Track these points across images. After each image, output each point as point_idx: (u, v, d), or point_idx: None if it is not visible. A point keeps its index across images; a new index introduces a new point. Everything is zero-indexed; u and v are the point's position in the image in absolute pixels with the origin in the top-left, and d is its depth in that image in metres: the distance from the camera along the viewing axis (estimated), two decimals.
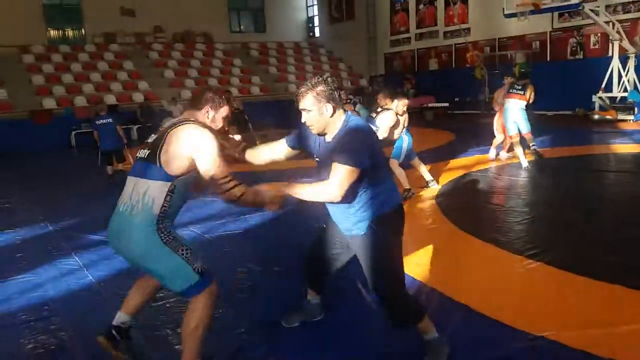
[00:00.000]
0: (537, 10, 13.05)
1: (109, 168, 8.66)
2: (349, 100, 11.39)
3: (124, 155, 8.82)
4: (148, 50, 19.93)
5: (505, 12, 13.82)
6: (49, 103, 15.77)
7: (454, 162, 8.44)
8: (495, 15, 15.63)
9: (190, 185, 2.43)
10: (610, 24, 13.34)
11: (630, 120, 12.34)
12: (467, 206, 5.89)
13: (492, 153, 8.41)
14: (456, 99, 17.80)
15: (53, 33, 19.58)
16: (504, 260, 4.06)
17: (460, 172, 7.59)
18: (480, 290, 3.52)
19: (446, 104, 17.73)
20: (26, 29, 17.89)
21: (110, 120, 8.68)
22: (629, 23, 13.90)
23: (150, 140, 2.46)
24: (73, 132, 15.12)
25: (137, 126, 15.91)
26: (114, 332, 2.69)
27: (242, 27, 23.40)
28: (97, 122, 8.67)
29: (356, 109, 11.36)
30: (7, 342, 3.15)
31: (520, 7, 13.17)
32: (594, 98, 13.65)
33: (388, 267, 2.48)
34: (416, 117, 17.47)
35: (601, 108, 13.45)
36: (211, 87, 2.59)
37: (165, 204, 2.32)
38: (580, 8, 12.84)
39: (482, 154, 8.87)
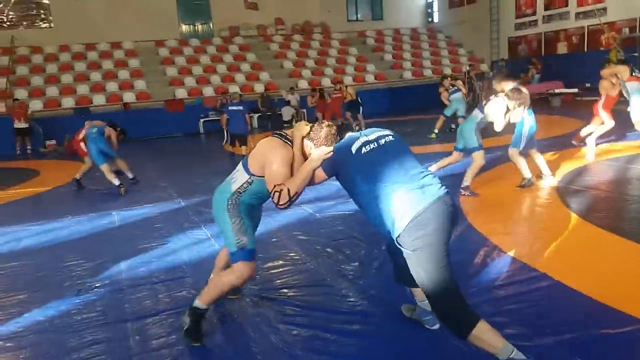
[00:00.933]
0: None
1: (231, 147, 9.90)
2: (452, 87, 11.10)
3: (247, 140, 9.67)
4: (269, 42, 20.84)
5: None
6: (181, 93, 17.16)
7: (578, 151, 7.91)
8: None
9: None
10: None
11: None
12: (589, 195, 5.54)
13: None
14: (587, 85, 16.46)
15: (185, 28, 21.18)
16: (624, 248, 3.81)
17: (584, 161, 7.13)
18: (603, 279, 3.35)
19: (575, 90, 16.48)
20: (161, 24, 19.57)
21: (241, 107, 9.74)
22: None
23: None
24: (201, 120, 16.33)
25: (258, 115, 16.77)
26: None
27: (359, 16, 23.53)
28: (229, 108, 9.81)
29: (450, 98, 11.04)
30: (147, 297, 3.62)
31: None
32: None
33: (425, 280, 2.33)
34: (541, 103, 16.54)
35: None
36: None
37: (240, 189, 2.88)
38: None
39: (610, 142, 8.22)
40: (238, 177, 2.89)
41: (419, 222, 2.27)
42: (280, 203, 2.59)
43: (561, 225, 4.54)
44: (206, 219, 5.60)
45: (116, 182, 7.41)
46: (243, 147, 9.63)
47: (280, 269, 3.99)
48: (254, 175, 2.83)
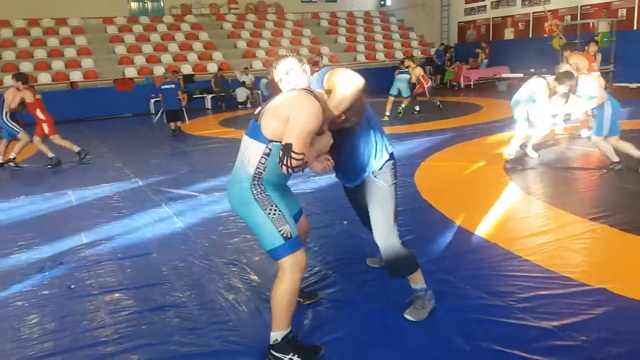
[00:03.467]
0: None
1: (172, 124, 10.79)
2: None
3: (182, 116, 10.82)
4: (222, 22, 20.52)
5: None
6: (131, 72, 16.71)
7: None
8: None
9: None
10: None
11: None
12: (535, 173, 5.91)
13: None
14: (532, 70, 17.17)
15: (134, 5, 20.54)
16: (567, 221, 4.15)
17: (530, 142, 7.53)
18: (545, 249, 3.66)
19: (520, 75, 17.16)
20: (109, 1, 18.92)
21: (173, 86, 10.96)
22: None
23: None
24: (152, 100, 15.98)
25: (212, 95, 16.58)
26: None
27: None
28: (163, 87, 10.98)
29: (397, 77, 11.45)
30: (114, 272, 3.66)
31: None
32: None
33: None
34: (489, 87, 17.16)
35: None
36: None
37: (258, 167, 2.33)
38: None
39: (552, 125, 8.70)
40: (251, 154, 2.34)
41: (393, 162, 2.72)
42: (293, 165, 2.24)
43: (508, 199, 4.86)
44: (167, 197, 5.63)
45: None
46: (178, 122, 10.75)
47: (248, 244, 4.10)
48: (272, 141, 2.29)
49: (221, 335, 2.75)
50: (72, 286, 3.46)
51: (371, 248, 3.23)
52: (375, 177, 2.65)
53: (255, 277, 3.46)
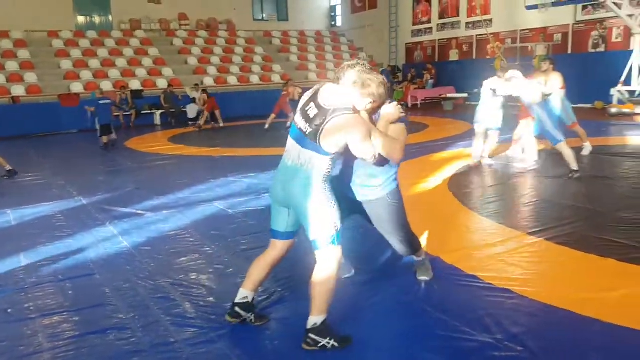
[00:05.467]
0: (559, 2, 13.08)
1: (104, 138, 11.08)
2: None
3: (111, 130, 11.29)
4: (173, 37, 20.33)
5: (527, 4, 13.88)
6: (77, 87, 16.26)
7: (466, 151, 8.63)
8: (518, 6, 15.68)
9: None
10: (634, 17, 13.30)
11: None
12: (477, 190, 6.14)
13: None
14: (475, 90, 17.85)
15: (81, 19, 20.08)
16: (505, 235, 4.33)
17: (472, 160, 7.81)
18: (483, 260, 3.80)
19: (465, 95, 17.83)
20: (56, 14, 18.43)
21: (108, 101, 11.67)
22: None
23: (309, 113, 2.62)
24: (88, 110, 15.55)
25: (161, 112, 16.33)
26: (237, 309, 2.91)
27: (264, 16, 23.65)
28: (99, 102, 11.43)
29: None
30: (55, 295, 3.53)
31: None
32: (613, 91, 13.65)
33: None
34: (435, 107, 17.70)
35: (619, 101, 13.46)
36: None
37: (328, 168, 2.64)
38: (603, 1, 12.83)
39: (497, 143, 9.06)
40: (319, 163, 2.60)
41: None
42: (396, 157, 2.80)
43: (451, 215, 5.02)
44: (112, 216, 5.49)
45: None
46: (105, 137, 11.13)
47: (196, 263, 4.06)
48: (330, 154, 2.61)
49: (165, 358, 2.70)
50: (9, 310, 3.31)
51: None
52: (390, 195, 3.18)
53: (202, 297, 3.43)
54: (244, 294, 2.93)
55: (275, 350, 2.76)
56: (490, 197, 5.82)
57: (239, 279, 3.57)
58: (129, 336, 2.92)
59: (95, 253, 4.35)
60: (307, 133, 2.60)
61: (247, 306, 2.93)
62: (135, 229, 5.01)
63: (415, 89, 19.31)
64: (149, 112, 16.31)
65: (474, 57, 18.89)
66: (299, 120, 2.68)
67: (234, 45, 20.97)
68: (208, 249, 4.38)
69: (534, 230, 4.42)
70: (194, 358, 2.69)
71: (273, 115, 12.98)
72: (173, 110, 16.23)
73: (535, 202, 5.54)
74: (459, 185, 6.32)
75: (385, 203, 3.16)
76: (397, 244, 3.33)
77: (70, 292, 3.57)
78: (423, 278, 3.49)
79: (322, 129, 2.54)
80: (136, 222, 5.24)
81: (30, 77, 16.13)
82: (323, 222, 2.61)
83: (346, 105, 2.58)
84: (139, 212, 5.64)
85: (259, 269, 2.94)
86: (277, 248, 2.92)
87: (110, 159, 10.06)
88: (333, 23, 25.09)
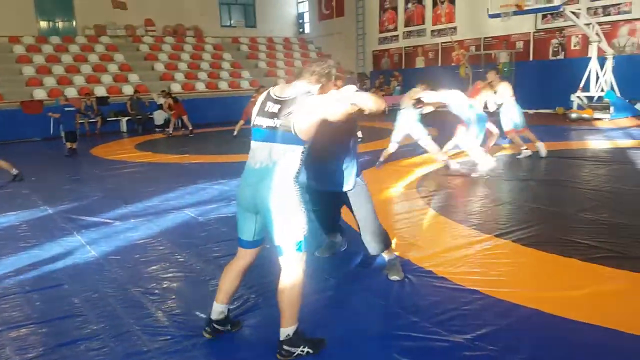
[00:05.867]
0: (520, 11, 13.48)
1: (69, 144, 11.16)
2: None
3: (76, 136, 11.39)
4: (139, 43, 20.06)
5: (490, 13, 14.25)
6: (40, 94, 15.87)
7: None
8: (481, 15, 16.02)
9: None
10: (591, 26, 13.81)
11: (605, 119, 12.83)
12: (445, 194, 6.26)
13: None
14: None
15: (43, 24, 19.62)
16: (473, 237, 4.45)
17: (438, 165, 7.96)
18: (452, 262, 3.89)
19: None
20: (17, 19, 17.97)
21: (72, 108, 11.70)
22: (609, 25, 14.38)
23: (271, 110, 2.64)
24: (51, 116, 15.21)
25: (127, 118, 16.08)
26: (216, 326, 2.87)
27: (232, 22, 23.58)
28: (65, 109, 11.43)
29: None
30: (22, 307, 3.45)
31: (504, 7, 13.60)
32: (573, 97, 14.13)
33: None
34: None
35: (579, 107, 13.94)
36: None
37: (299, 164, 2.61)
38: (562, 10, 13.30)
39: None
40: (292, 156, 2.58)
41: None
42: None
43: (420, 218, 5.12)
44: (79, 225, 5.38)
45: None
46: (70, 143, 11.16)
47: (167, 271, 4.02)
48: (304, 143, 2.60)
49: None
50: None
51: None
52: (361, 180, 3.50)
53: (174, 305, 3.40)
54: (220, 308, 2.87)
55: (250, 359, 2.77)
56: (457, 200, 5.95)
57: (211, 286, 3.58)
58: (101, 346, 2.87)
59: (62, 263, 4.26)
60: (278, 126, 2.59)
61: (224, 321, 2.90)
62: (103, 238, 4.93)
63: (382, 95, 19.52)
64: (115, 119, 16.05)
65: (440, 64, 19.25)
66: (261, 121, 2.67)
67: (202, 51, 20.84)
68: (179, 256, 4.35)
69: (500, 232, 4.55)
70: None
71: (241, 122, 12.94)
72: (140, 117, 16.00)
73: (500, 204, 5.69)
74: (426, 189, 6.43)
75: (360, 188, 3.48)
76: (370, 238, 3.52)
77: (37, 304, 3.49)
78: (394, 278, 3.59)
79: (293, 114, 2.55)
80: (104, 231, 5.16)
81: None
82: (291, 226, 2.58)
83: (304, 91, 2.64)
84: (107, 220, 5.54)
85: (229, 280, 2.88)
86: (244, 257, 2.88)
87: (76, 167, 9.86)
88: (301, 30, 25.21)
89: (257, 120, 2.71)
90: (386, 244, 3.59)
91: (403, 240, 4.46)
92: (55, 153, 11.68)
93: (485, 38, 17.60)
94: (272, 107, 2.64)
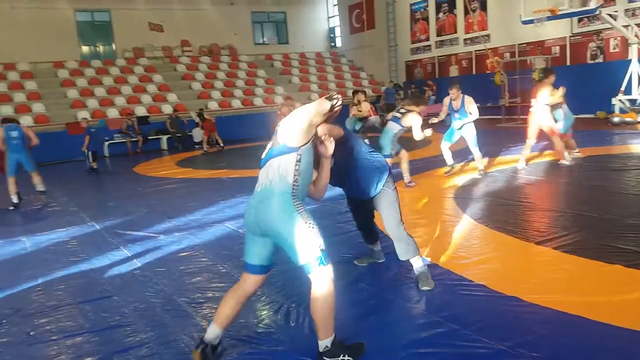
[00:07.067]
0: (554, 16, 13.28)
1: (94, 163, 11.94)
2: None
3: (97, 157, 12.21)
4: (176, 64, 20.67)
5: (523, 19, 14.08)
6: (83, 116, 16.47)
7: (471, 164, 8.73)
8: (515, 21, 15.85)
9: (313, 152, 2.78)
10: (629, 28, 13.48)
11: None
12: (483, 201, 6.21)
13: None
14: (477, 104, 18.02)
15: (85, 49, 20.48)
16: (512, 245, 4.41)
17: (477, 172, 7.89)
18: (492, 270, 3.87)
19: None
20: (61, 46, 18.82)
21: (95, 130, 12.62)
22: None
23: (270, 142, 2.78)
24: (106, 143, 15.82)
25: (167, 136, 16.55)
26: (209, 349, 2.74)
27: (265, 40, 24.04)
28: (91, 130, 12.17)
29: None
30: (75, 317, 3.62)
31: (537, 13, 13.42)
32: (614, 101, 13.77)
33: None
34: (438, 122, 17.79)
35: (621, 110, 13.56)
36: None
37: (295, 177, 2.61)
38: (597, 13, 13.04)
39: (499, 156, 9.19)
40: (285, 168, 2.61)
41: (390, 174, 3.64)
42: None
43: (458, 227, 5.10)
44: (125, 239, 5.59)
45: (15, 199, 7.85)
46: (95, 162, 12.02)
47: (210, 282, 4.14)
48: (300, 147, 2.63)
49: None
50: (32, 332, 3.40)
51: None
52: (383, 187, 3.54)
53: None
54: (217, 332, 2.77)
55: None
56: (496, 208, 5.89)
57: (253, 296, 3.66)
58: (150, 354, 2.99)
59: (111, 276, 4.44)
60: (271, 146, 2.71)
61: (214, 349, 2.77)
62: (148, 251, 5.11)
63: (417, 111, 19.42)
64: (156, 137, 16.53)
65: (474, 72, 19.09)
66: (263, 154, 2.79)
67: (237, 69, 21.29)
68: (221, 267, 4.46)
69: (541, 239, 4.48)
70: None
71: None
72: (179, 134, 16.44)
73: (541, 211, 5.61)
74: (464, 197, 6.40)
75: (384, 194, 3.57)
76: (395, 243, 3.67)
77: (89, 314, 3.65)
78: (425, 288, 3.61)
79: (277, 131, 2.70)
80: (149, 245, 5.34)
81: (38, 107, 16.41)
82: (304, 245, 2.56)
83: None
84: (152, 234, 5.74)
85: (230, 306, 2.79)
86: (248, 282, 2.80)
87: (120, 184, 10.21)
88: (333, 44, 25.46)
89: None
90: (411, 251, 3.64)
91: (441, 249, 4.46)
92: (101, 172, 12.12)
93: (519, 44, 17.38)
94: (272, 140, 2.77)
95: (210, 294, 3.87)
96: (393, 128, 6.84)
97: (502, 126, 15.21)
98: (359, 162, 3.46)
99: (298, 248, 2.57)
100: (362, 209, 3.90)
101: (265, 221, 2.61)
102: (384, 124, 7.69)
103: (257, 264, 2.77)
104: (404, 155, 7.17)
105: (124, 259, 4.89)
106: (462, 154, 8.94)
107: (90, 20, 20.37)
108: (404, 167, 7.21)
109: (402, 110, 6.83)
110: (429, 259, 4.11)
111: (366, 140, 12.04)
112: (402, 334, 3.05)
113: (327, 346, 2.65)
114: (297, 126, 2.63)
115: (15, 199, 7.97)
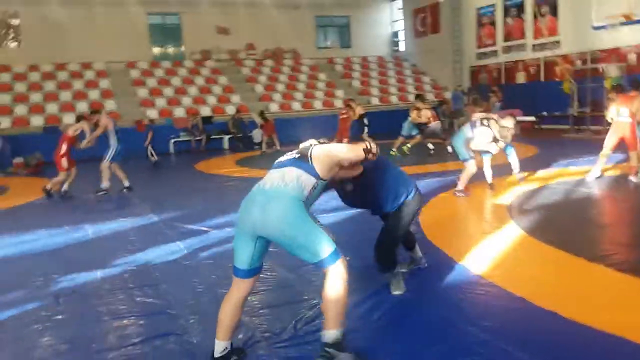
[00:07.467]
0: (629, 21, 12.61)
1: (154, 158, 13.09)
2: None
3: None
4: (240, 67, 21.25)
5: (594, 24, 13.45)
6: (152, 114, 17.28)
7: (532, 175, 8.44)
8: (587, 27, 15.23)
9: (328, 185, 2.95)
10: None
11: None
12: (537, 213, 6.00)
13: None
14: (544, 113, 17.39)
15: (156, 50, 21.46)
16: (564, 261, 4.24)
17: (537, 184, 7.63)
18: (533, 283, 3.75)
19: (532, 118, 17.36)
20: (133, 46, 19.82)
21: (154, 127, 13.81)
22: None
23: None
24: (172, 140, 16.49)
25: (229, 136, 17.04)
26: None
27: (328, 43, 24.26)
28: (152, 127, 13.38)
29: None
30: (125, 301, 3.84)
31: (610, 19, 12.79)
32: None
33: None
34: None
35: None
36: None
37: (308, 194, 2.69)
38: None
39: (563, 167, 8.84)
40: (305, 183, 2.68)
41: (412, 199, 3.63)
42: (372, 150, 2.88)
43: (507, 239, 4.96)
44: (178, 232, 5.84)
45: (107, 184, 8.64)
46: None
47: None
48: (321, 179, 2.74)
49: None
50: (85, 313, 3.64)
51: (365, 279, 3.37)
52: (403, 205, 3.56)
53: (259, 305, 3.61)
54: (223, 346, 2.77)
55: None
56: (550, 220, 5.68)
57: (296, 293, 3.83)
58: (189, 340, 3.14)
59: (162, 265, 4.66)
60: (297, 157, 2.80)
61: (228, 355, 2.79)
62: (200, 244, 5.31)
63: (480, 111, 18.95)
64: (218, 137, 17.06)
65: (542, 79, 18.41)
66: (279, 159, 2.91)
67: (298, 72, 21.61)
68: (265, 264, 4.55)
69: (594, 255, 4.28)
70: None
71: (345, 140, 13.11)
72: (240, 135, 16.90)
73: (599, 227, 5.36)
74: (519, 209, 6.20)
75: (397, 211, 3.59)
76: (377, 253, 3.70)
77: (138, 299, 3.86)
78: (397, 293, 3.67)
79: (311, 153, 2.78)
80: (202, 238, 5.55)
81: (110, 104, 17.33)
82: (316, 241, 2.58)
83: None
84: (205, 229, 5.95)
85: (229, 314, 2.79)
86: (240, 287, 2.81)
87: (182, 180, 10.64)
88: (396, 48, 25.30)
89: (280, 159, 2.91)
90: (385, 268, 3.71)
91: (485, 258, 4.36)
92: (162, 168, 12.66)
93: (592, 51, 16.59)
94: (292, 153, 2.90)
95: (255, 288, 3.95)
96: (465, 133, 6.97)
97: (568, 136, 14.59)
98: (378, 188, 3.48)
99: (312, 246, 2.59)
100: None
101: (273, 221, 2.59)
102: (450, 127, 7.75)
103: (246, 268, 2.76)
104: (468, 164, 6.94)
105: (176, 250, 5.11)
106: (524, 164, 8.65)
107: (161, 23, 21.31)
108: (464, 175, 6.97)
109: (485, 122, 6.90)
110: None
111: (430, 145, 11.96)
112: (432, 343, 3.00)
113: (338, 337, 2.62)
114: (328, 162, 2.77)
115: (126, 183, 8.98)
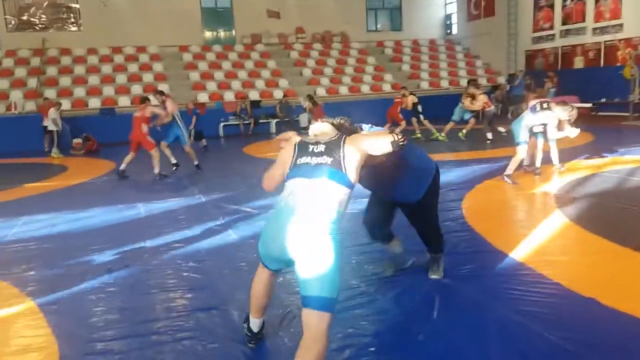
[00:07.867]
0: None
1: (204, 141, 13.19)
2: None
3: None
4: (290, 50, 21.37)
5: None
6: (203, 97, 17.71)
7: (585, 162, 8.17)
8: None
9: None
10: None
11: None
12: (585, 203, 5.82)
13: None
14: (602, 100, 16.66)
15: (208, 34, 21.85)
16: (605, 248, 4.14)
17: (588, 171, 7.39)
18: (574, 270, 3.68)
19: (589, 104, 16.65)
20: (186, 30, 20.26)
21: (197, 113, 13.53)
22: None
23: (316, 150, 2.57)
24: (221, 124, 16.86)
25: (276, 120, 17.25)
26: (258, 336, 2.91)
27: (378, 26, 23.97)
28: (196, 111, 13.38)
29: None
30: (172, 276, 4.05)
31: None
32: None
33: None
34: None
35: None
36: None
37: (343, 206, 2.47)
38: None
39: (618, 155, 8.50)
40: (338, 199, 2.44)
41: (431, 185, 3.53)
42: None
43: (551, 227, 4.86)
44: (224, 212, 6.05)
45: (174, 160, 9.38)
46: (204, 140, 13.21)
47: None
48: (353, 185, 2.52)
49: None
50: (135, 285, 3.87)
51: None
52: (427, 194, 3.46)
53: (295, 283, 3.70)
54: (258, 322, 2.88)
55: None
56: (599, 209, 5.51)
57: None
58: (226, 315, 3.31)
59: (207, 243, 4.86)
60: (329, 164, 2.48)
61: (262, 327, 2.93)
62: (243, 224, 5.50)
63: (535, 97, 18.33)
64: (266, 121, 17.29)
65: (602, 64, 17.61)
66: (306, 159, 2.55)
67: (347, 56, 21.51)
68: None
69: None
70: (294, 336, 2.98)
71: (388, 125, 13.09)
72: (287, 119, 17.06)
73: None
74: (567, 196, 6.04)
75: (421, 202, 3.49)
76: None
77: (184, 274, 4.06)
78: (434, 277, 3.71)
79: (343, 152, 2.50)
80: (246, 219, 5.73)
81: (163, 87, 17.74)
82: (330, 281, 2.31)
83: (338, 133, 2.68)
84: (249, 210, 6.12)
85: (259, 297, 2.81)
86: (271, 274, 2.76)
87: (229, 163, 10.91)
88: (448, 31, 24.73)
89: (300, 159, 2.59)
90: (436, 248, 3.75)
91: (528, 246, 4.30)
92: (214, 150, 12.98)
93: None
94: (317, 148, 2.58)
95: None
96: (526, 117, 6.87)
97: (628, 124, 13.94)
98: (393, 174, 3.31)
99: (324, 281, 2.30)
100: (387, 207, 3.66)
101: (298, 245, 2.37)
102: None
103: (275, 269, 2.73)
104: (521, 147, 6.78)
105: (221, 229, 5.31)
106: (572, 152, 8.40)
107: (214, 7, 21.63)
108: (513, 160, 6.81)
109: (545, 105, 6.82)
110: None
111: (489, 135, 11.67)
112: (470, 327, 3.03)
113: None
114: (359, 165, 2.53)
115: (173, 160, 9.52)
